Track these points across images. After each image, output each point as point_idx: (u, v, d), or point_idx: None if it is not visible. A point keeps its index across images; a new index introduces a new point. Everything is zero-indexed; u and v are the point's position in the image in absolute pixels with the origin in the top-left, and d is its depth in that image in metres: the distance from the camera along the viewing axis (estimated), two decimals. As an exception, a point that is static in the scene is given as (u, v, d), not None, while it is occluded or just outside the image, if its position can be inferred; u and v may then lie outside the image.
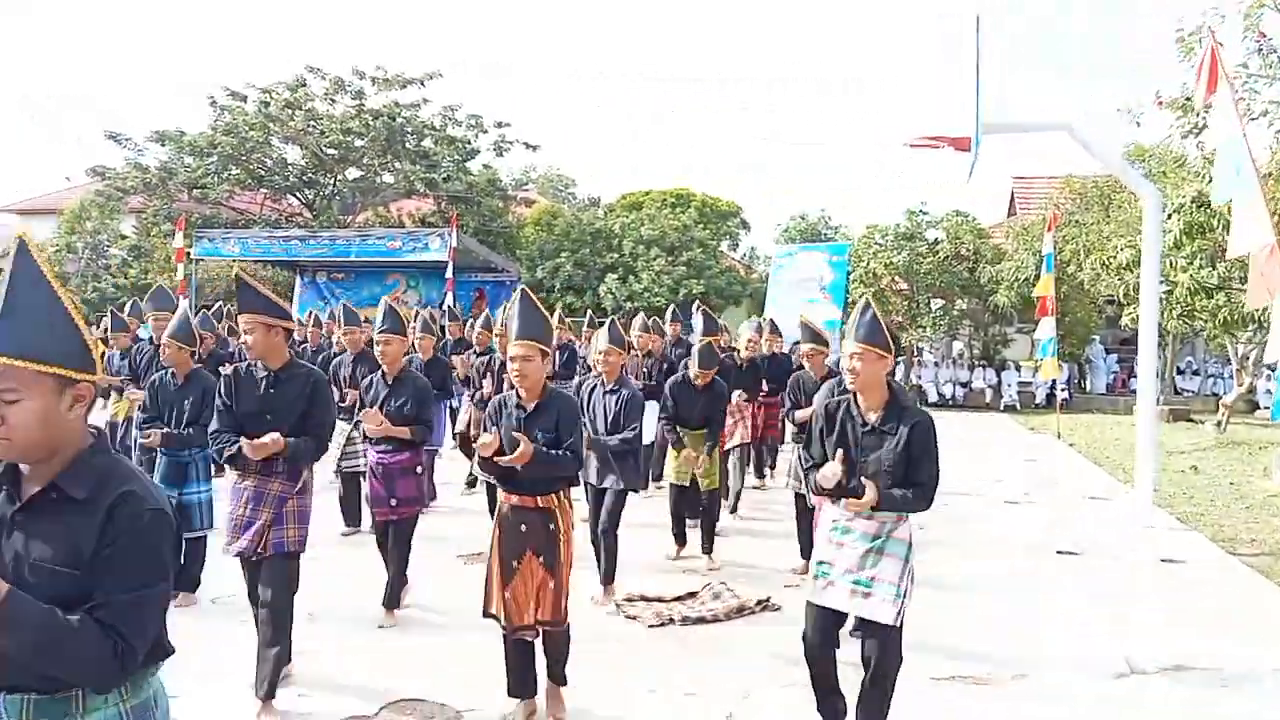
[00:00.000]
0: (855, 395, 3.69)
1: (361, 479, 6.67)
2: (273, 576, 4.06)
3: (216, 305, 14.68)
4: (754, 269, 31.80)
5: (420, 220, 26.60)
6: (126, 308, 10.81)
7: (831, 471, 3.52)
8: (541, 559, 3.87)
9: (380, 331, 5.29)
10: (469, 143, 26.66)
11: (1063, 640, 5.24)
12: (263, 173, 25.92)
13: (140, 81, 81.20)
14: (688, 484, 6.63)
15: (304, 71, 25.30)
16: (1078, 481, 11.06)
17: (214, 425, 4.19)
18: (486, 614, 3.94)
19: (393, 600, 5.22)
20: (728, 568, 6.51)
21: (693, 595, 5.74)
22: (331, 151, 25.39)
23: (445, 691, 4.27)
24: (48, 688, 1.70)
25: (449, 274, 16.58)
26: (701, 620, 5.33)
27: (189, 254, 17.88)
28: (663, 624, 5.26)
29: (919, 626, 5.24)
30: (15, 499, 1.76)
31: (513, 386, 4.03)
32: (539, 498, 3.90)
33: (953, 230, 21.65)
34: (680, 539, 6.78)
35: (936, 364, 22.32)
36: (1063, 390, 18.67)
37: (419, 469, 5.31)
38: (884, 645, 3.56)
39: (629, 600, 5.61)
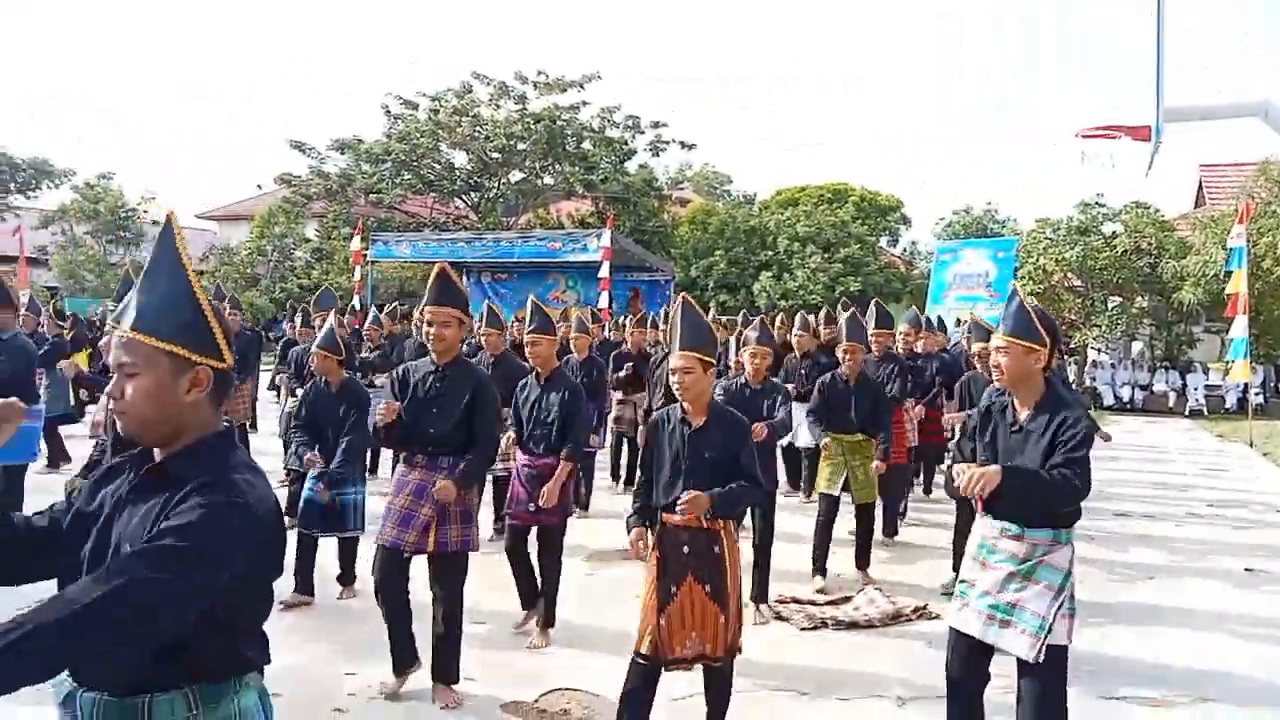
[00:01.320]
0: (1012, 395, 3.38)
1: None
2: (443, 573, 4.16)
3: (393, 305, 15.58)
4: (915, 265, 30.93)
5: (579, 221, 27.27)
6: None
7: (958, 473, 3.09)
8: (707, 587, 3.54)
9: (529, 331, 5.19)
10: (626, 143, 27.15)
11: (1251, 664, 4.89)
12: (432, 177, 27.23)
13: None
14: (836, 493, 6.16)
15: (470, 78, 26.45)
16: (1272, 493, 10.22)
17: (380, 419, 4.21)
18: (637, 654, 3.59)
19: (532, 603, 5.11)
20: (882, 579, 6.38)
21: (847, 600, 5.69)
22: (496, 155, 26.39)
23: (601, 683, 4.41)
24: (118, 689, 1.61)
25: (603, 273, 16.89)
26: (855, 625, 5.28)
27: (365, 256, 18.96)
28: (815, 627, 5.24)
29: (1091, 642, 5.03)
30: (134, 475, 1.73)
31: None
32: (703, 518, 3.58)
33: (1132, 223, 20.34)
34: (820, 566, 6.08)
35: (1113, 365, 21.05)
36: (1257, 394, 17.24)
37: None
38: (1040, 690, 3.11)
39: (781, 602, 5.60)
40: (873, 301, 7.71)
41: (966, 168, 77.64)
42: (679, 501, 3.46)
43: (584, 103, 26.64)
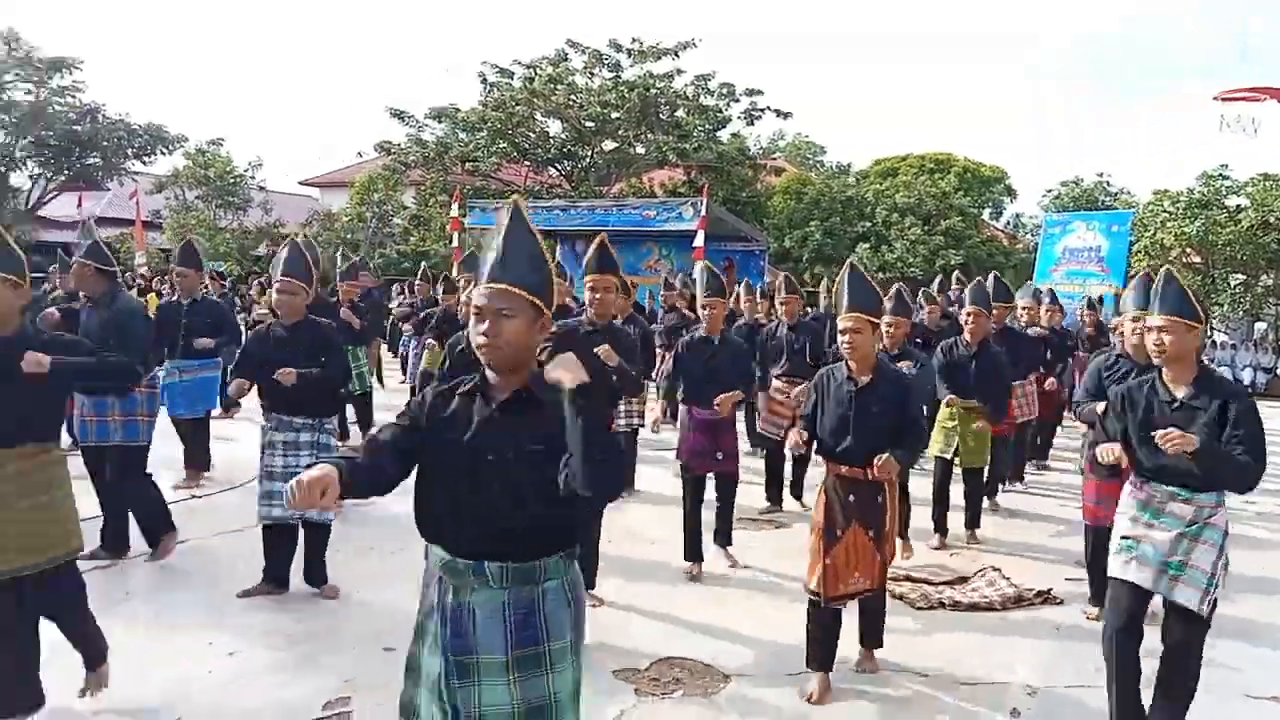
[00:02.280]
0: (1161, 372, 3.47)
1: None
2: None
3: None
4: (1019, 238, 29.83)
5: (671, 190, 27.02)
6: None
7: (1112, 452, 3.45)
8: (870, 532, 3.91)
9: (706, 296, 5.77)
10: (720, 111, 26.71)
11: None
12: (526, 146, 27.27)
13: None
14: (949, 456, 6.30)
15: (565, 46, 26.37)
16: None
17: None
18: (809, 592, 3.99)
19: (697, 557, 5.51)
20: (1001, 551, 6.20)
21: (964, 580, 5.48)
22: (590, 124, 26.29)
23: (718, 654, 4.33)
24: (522, 556, 2.13)
25: (698, 243, 16.68)
26: (975, 607, 5.08)
27: (463, 223, 19.13)
28: (931, 607, 5.06)
29: (1235, 635, 4.73)
30: (490, 403, 2.20)
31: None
32: (869, 470, 3.86)
33: (1259, 196, 19.14)
34: (940, 527, 6.30)
35: (1234, 347, 19.97)
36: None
37: (736, 424, 5.63)
38: (1187, 642, 3.36)
39: (894, 579, 5.42)
40: (992, 274, 7.51)
41: (1077, 136, 74.39)
42: (875, 468, 3.76)
43: (678, 71, 26.29)
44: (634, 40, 26.21)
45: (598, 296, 4.70)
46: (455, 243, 19.36)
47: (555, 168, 28.45)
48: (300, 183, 37.24)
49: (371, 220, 28.72)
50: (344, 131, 69.01)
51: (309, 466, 4.55)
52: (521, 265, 2.19)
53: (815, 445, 4.15)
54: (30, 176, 26.21)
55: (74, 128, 24.39)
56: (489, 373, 2.22)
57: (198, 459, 7.20)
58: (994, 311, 6.86)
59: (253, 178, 28.46)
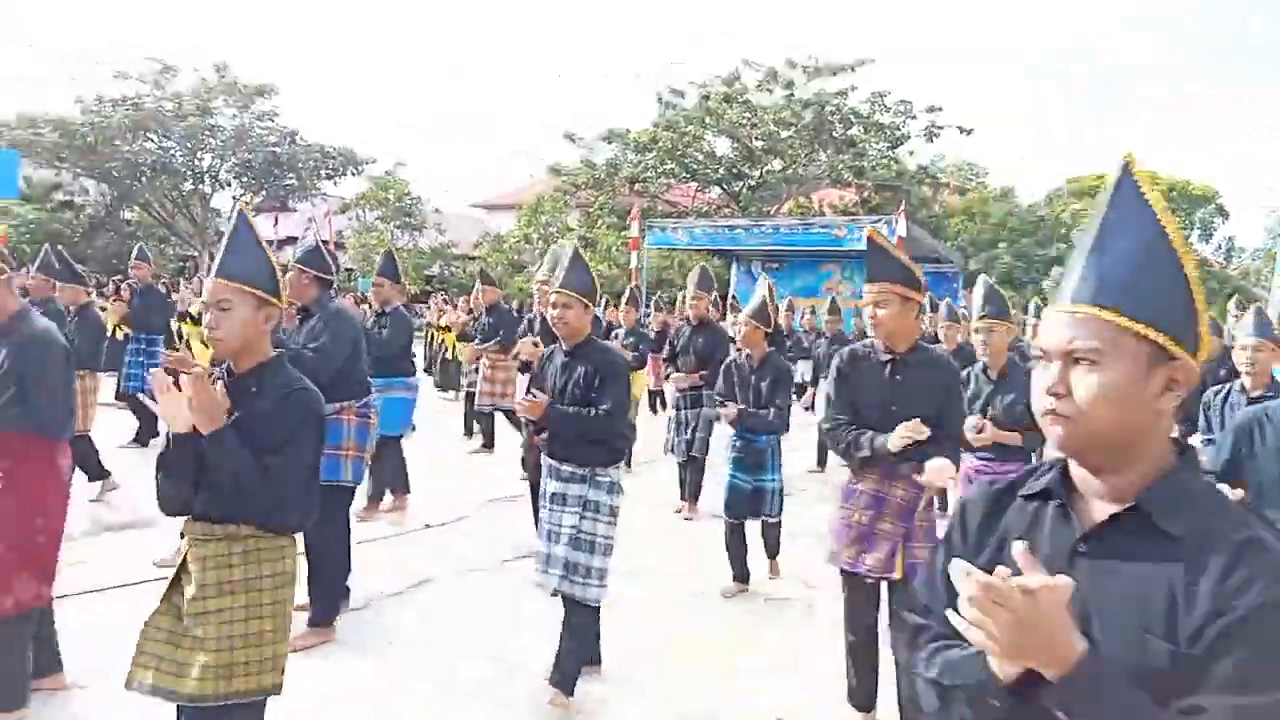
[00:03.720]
0: None
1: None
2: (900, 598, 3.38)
3: (658, 295, 15.30)
4: (1231, 263, 27.42)
5: (842, 210, 26.15)
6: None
7: None
8: None
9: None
10: (898, 129, 25.70)
11: None
12: (695, 166, 27.00)
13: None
14: None
15: (739, 64, 26.00)
16: None
17: (832, 414, 3.64)
18: None
19: None
20: None
21: None
22: (760, 143, 25.77)
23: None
24: None
25: (891, 263, 15.82)
26: None
27: (642, 243, 18.85)
28: None
29: None
30: (1078, 524, 1.26)
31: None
32: None
33: None
34: None
35: None
36: None
37: None
38: None
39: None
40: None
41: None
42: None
43: (852, 88, 25.48)
44: (810, 57, 25.61)
45: (880, 316, 3.42)
46: (635, 262, 19.10)
47: (721, 187, 28.08)
48: (471, 205, 38.25)
49: (538, 241, 28.98)
50: (517, 154, 71.08)
51: (573, 529, 3.67)
52: (1120, 270, 1.23)
53: None
54: (233, 197, 27.88)
55: (274, 150, 25.73)
56: (1071, 466, 1.29)
57: (397, 486, 6.69)
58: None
59: (428, 200, 29.32)
